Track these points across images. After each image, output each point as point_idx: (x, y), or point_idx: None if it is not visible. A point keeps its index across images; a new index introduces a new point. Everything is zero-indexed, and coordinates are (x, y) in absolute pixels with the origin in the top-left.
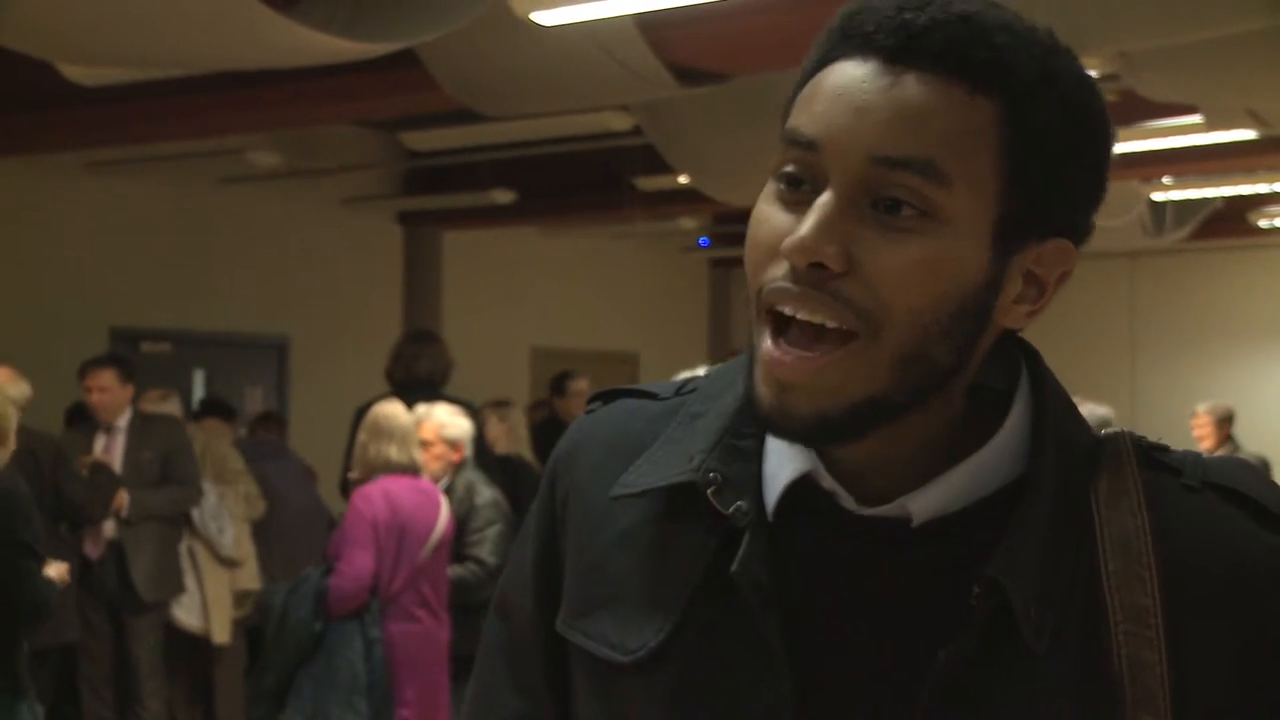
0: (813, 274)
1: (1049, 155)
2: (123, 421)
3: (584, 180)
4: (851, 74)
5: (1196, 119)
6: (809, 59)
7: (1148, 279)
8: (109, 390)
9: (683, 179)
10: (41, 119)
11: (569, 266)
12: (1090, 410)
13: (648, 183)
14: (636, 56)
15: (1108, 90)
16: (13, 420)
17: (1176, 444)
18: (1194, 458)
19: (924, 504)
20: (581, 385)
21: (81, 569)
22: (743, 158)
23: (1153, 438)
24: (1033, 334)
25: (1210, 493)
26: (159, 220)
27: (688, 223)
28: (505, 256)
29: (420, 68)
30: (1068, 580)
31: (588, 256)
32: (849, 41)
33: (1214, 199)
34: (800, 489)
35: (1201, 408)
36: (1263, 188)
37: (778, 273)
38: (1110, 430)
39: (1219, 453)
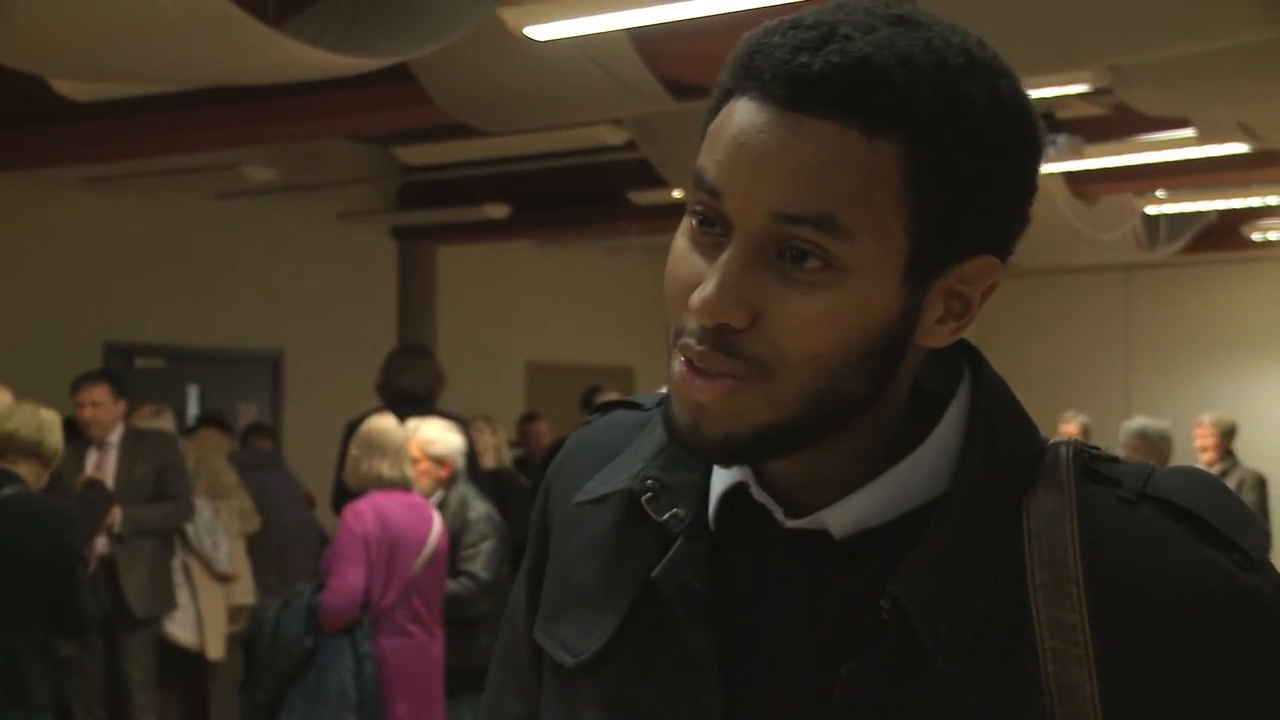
0: (718, 330)
1: (959, 185)
2: (115, 437)
3: (578, 194)
4: (751, 120)
5: (1189, 133)
6: (720, 80)
7: (1142, 292)
8: (101, 406)
9: (677, 193)
10: (36, 134)
11: (563, 281)
12: (1145, 424)
13: (642, 197)
14: (630, 70)
15: (1100, 104)
16: (57, 440)
17: (1174, 455)
18: (1139, 469)
19: (841, 518)
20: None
21: None
22: None
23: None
24: (1030, 347)
25: (1148, 506)
26: (154, 235)
27: None
28: (500, 271)
29: (414, 82)
30: (987, 596)
31: (582, 271)
32: (750, 80)
33: (1208, 212)
34: (739, 499)
35: (1206, 418)
36: (1256, 201)
37: (689, 324)
38: (1055, 440)
39: (1218, 466)
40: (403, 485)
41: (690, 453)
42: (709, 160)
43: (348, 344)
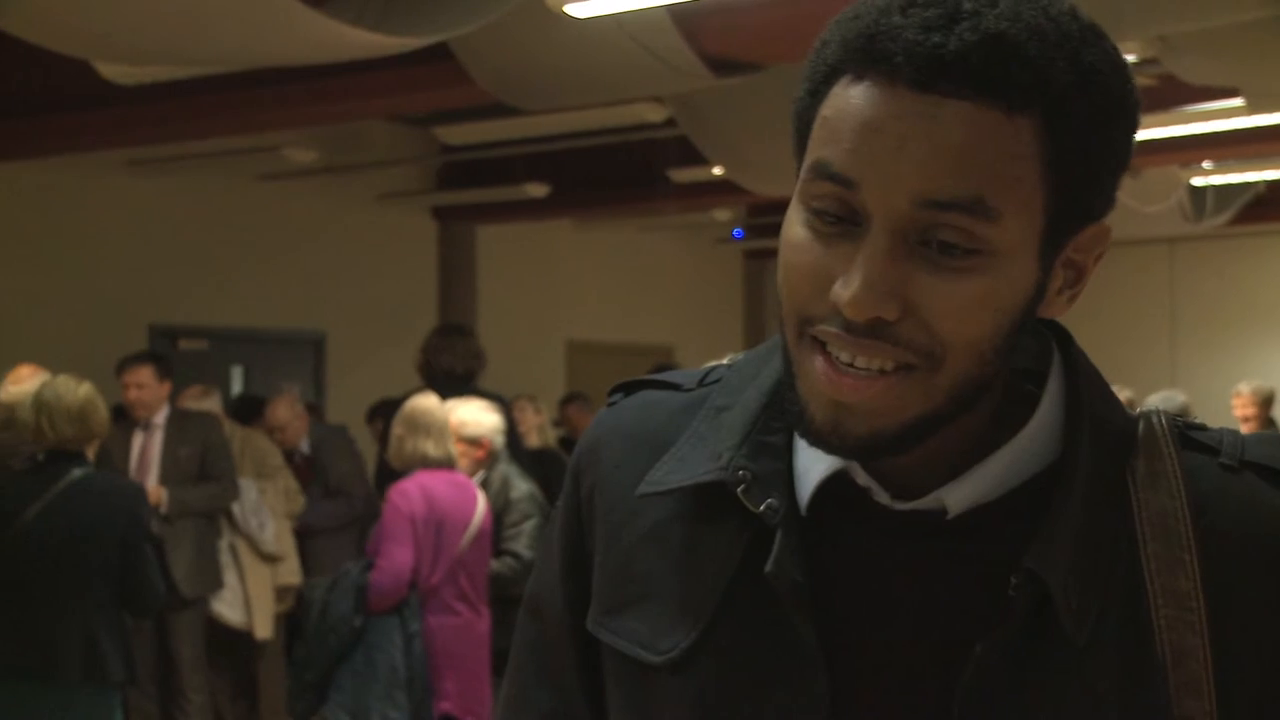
0: (870, 325)
1: (1090, 154)
2: (160, 418)
3: (618, 173)
4: (884, 106)
5: (1237, 102)
6: (819, 61)
7: (1187, 265)
8: (146, 387)
9: (717, 170)
10: (80, 119)
11: (603, 259)
12: (1167, 397)
13: (681, 175)
14: (670, 47)
15: (1147, 75)
16: (104, 411)
17: (1215, 425)
18: (1231, 436)
19: (960, 495)
20: None
21: None
22: (777, 148)
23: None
24: (1072, 320)
25: (1249, 472)
26: (197, 217)
27: (722, 214)
28: (539, 250)
29: (454, 62)
30: (1106, 567)
31: (622, 249)
32: (873, 63)
33: (1255, 183)
34: (832, 484)
35: (1244, 387)
36: None
37: (825, 311)
38: (1145, 410)
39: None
40: (447, 464)
41: (828, 450)
42: (834, 150)
43: (389, 324)
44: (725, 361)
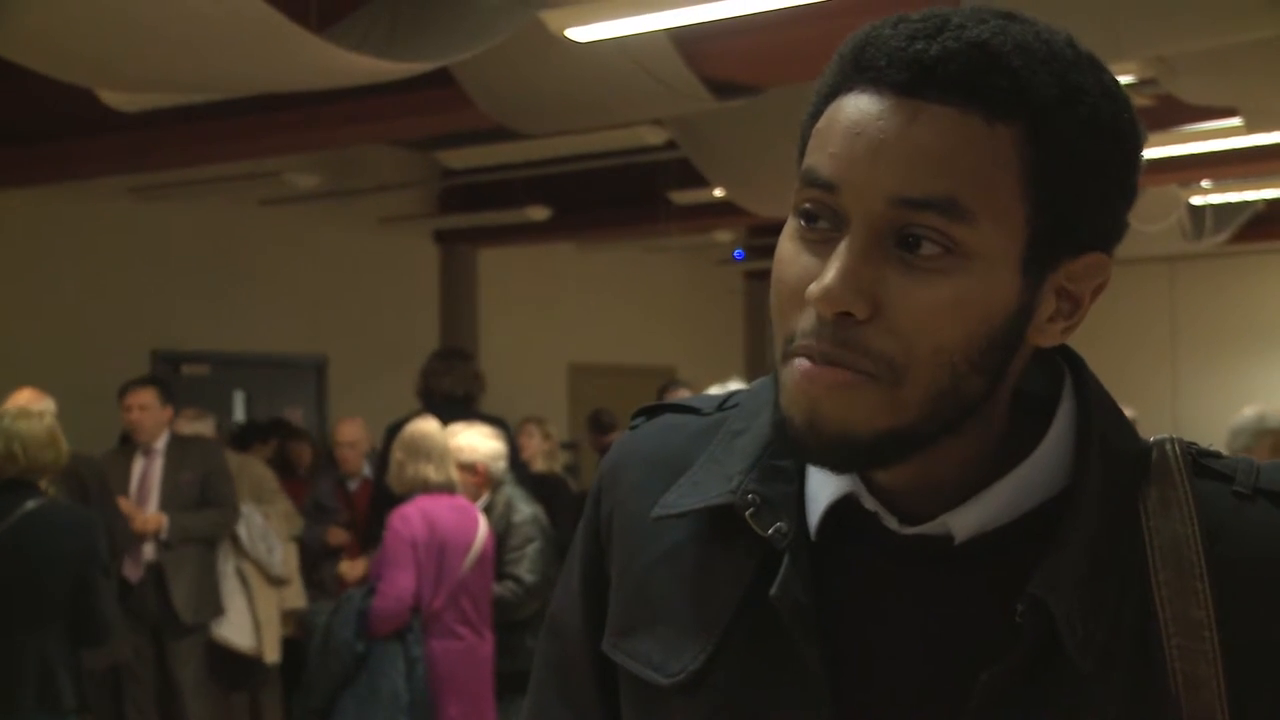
0: (838, 323)
1: (1075, 173)
2: (161, 444)
3: (619, 195)
4: (866, 110)
5: (1236, 121)
6: (821, 84)
7: (1188, 284)
8: (149, 409)
9: (718, 192)
10: (82, 146)
11: (605, 282)
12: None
13: (682, 196)
14: (671, 70)
15: (1145, 95)
16: (62, 450)
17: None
18: (1246, 464)
19: (965, 521)
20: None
21: (122, 592)
22: (777, 169)
23: (1203, 444)
24: (1074, 341)
25: (1263, 499)
26: (198, 243)
27: (723, 236)
28: (541, 273)
29: (455, 86)
30: (1116, 595)
31: (623, 271)
32: (861, 74)
33: (1254, 202)
34: (842, 509)
35: (1249, 412)
36: None
37: (805, 324)
38: (1158, 437)
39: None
40: (448, 488)
41: (804, 456)
42: (820, 156)
43: (391, 348)
44: (745, 387)
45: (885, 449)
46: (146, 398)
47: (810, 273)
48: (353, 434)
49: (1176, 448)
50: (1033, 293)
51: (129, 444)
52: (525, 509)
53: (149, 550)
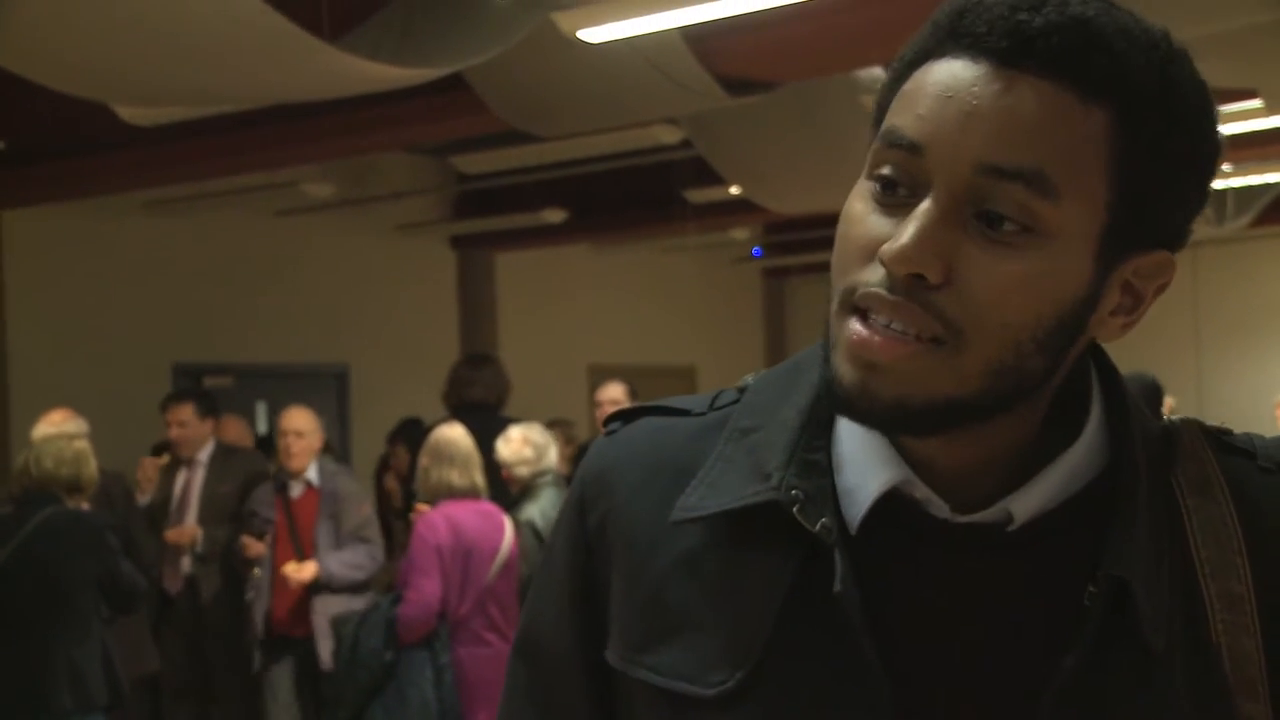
0: (910, 284)
1: (1161, 166)
2: (204, 455)
3: (635, 195)
4: (960, 75)
5: (1256, 104)
6: (909, 50)
7: (1210, 269)
8: (188, 425)
9: (734, 189)
10: (98, 161)
11: (622, 283)
12: (1135, 375)
13: (698, 195)
14: (684, 69)
15: None
16: (94, 472)
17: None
18: (1261, 440)
19: (1026, 504)
20: (613, 390)
21: (161, 604)
22: (793, 165)
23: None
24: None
25: None
26: (216, 255)
27: (740, 234)
28: (558, 275)
29: (469, 91)
30: (1168, 573)
31: (641, 272)
32: (957, 40)
33: (1276, 184)
34: (882, 503)
35: None
36: None
37: (872, 277)
38: (1177, 417)
39: None
40: (473, 493)
41: (853, 415)
42: (906, 117)
43: (411, 354)
44: (739, 384)
45: (940, 417)
46: (184, 413)
47: (882, 232)
48: (302, 422)
49: (1198, 427)
50: (1102, 281)
51: (174, 457)
52: (530, 510)
53: (186, 563)
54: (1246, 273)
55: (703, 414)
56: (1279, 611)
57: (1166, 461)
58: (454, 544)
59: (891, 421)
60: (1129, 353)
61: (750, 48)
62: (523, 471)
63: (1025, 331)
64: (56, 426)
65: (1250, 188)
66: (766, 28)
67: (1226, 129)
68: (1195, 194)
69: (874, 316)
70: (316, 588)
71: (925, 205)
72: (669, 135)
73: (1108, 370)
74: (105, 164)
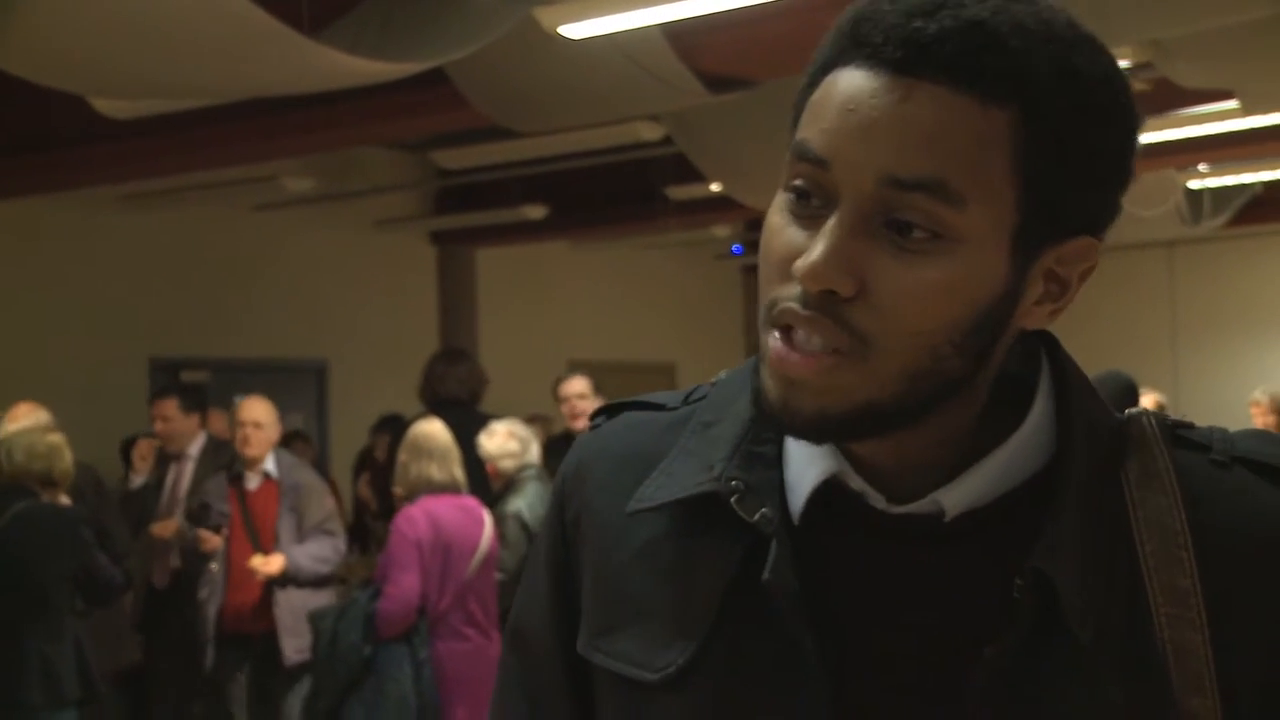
0: (822, 298)
1: (1068, 158)
2: (194, 449)
3: (615, 192)
4: (860, 86)
5: (1232, 104)
6: (818, 54)
7: (1187, 268)
8: (171, 419)
9: (714, 186)
10: (75, 155)
11: (603, 279)
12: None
13: (679, 192)
14: (665, 65)
15: (1140, 79)
16: (69, 465)
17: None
18: (1221, 433)
19: (957, 497)
20: (575, 385)
21: (149, 598)
22: (774, 162)
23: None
24: (1073, 327)
25: (1239, 467)
26: (194, 250)
27: (720, 231)
28: (539, 271)
29: (450, 86)
30: (1106, 567)
31: (621, 268)
32: (858, 49)
33: (1252, 185)
34: (824, 494)
35: (1259, 394)
36: None
37: (789, 292)
38: (1132, 411)
39: None
40: (452, 488)
41: (781, 429)
42: (813, 130)
43: (390, 350)
44: (713, 380)
45: (862, 422)
46: (167, 409)
47: (798, 246)
48: (261, 413)
49: (1153, 420)
50: (1021, 276)
51: (164, 451)
52: (516, 503)
53: (174, 558)
54: (1223, 272)
55: (676, 408)
56: (1229, 605)
57: (1117, 455)
58: (433, 539)
59: (817, 432)
60: (1106, 350)
61: (731, 44)
62: (508, 465)
63: (940, 336)
64: (18, 423)
65: (1226, 188)
66: (747, 24)
67: (1202, 130)
68: (1112, 176)
69: (793, 332)
70: (280, 581)
71: (833, 220)
72: (650, 132)
73: (1060, 363)
74: (82, 157)
